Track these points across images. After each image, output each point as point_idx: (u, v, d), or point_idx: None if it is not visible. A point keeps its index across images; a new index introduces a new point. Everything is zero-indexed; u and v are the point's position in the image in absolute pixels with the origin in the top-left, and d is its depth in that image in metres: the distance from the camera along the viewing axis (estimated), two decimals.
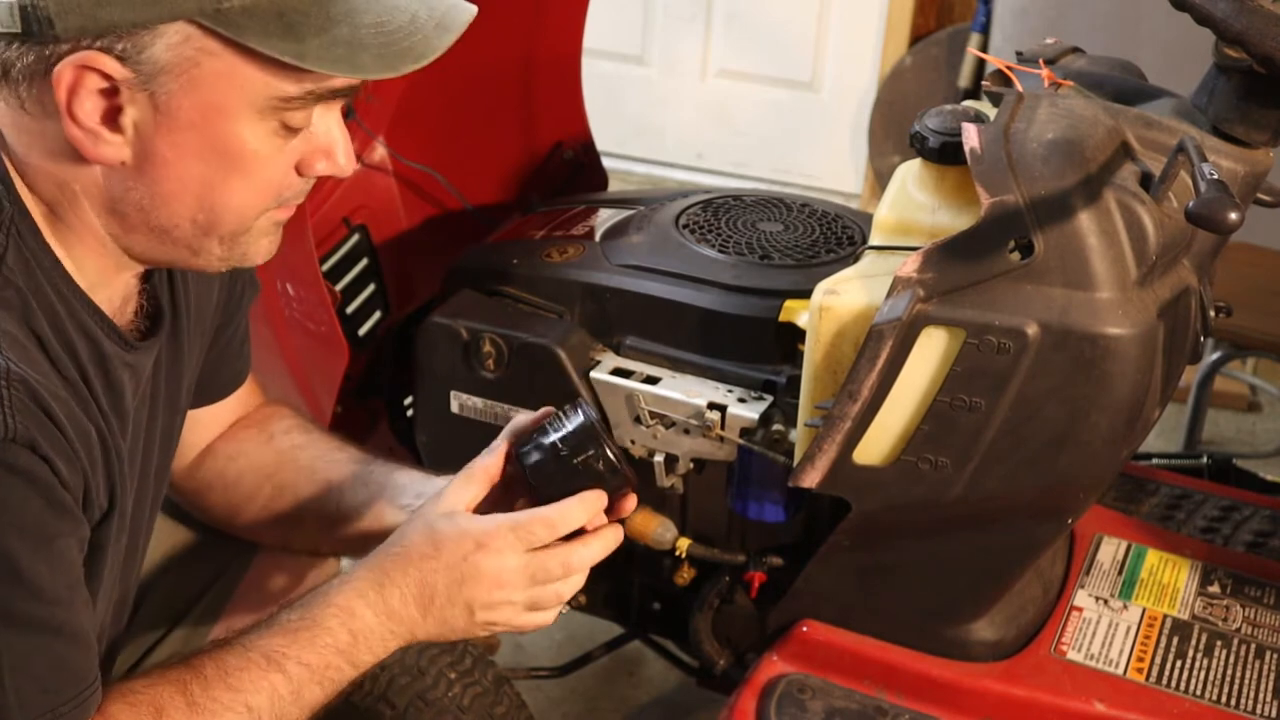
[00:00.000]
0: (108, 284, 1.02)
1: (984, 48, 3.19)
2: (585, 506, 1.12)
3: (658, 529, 1.48)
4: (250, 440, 1.32)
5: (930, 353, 1.18)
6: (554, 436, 1.14)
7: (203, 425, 1.30)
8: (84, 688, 0.94)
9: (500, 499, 1.16)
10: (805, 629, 1.41)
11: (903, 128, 3.35)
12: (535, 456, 1.14)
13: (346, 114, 1.78)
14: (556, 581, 1.11)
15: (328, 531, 1.29)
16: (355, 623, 1.05)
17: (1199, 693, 1.34)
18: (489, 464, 1.15)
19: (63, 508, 0.91)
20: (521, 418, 1.19)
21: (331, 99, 0.97)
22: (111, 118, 0.91)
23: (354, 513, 1.27)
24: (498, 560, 1.08)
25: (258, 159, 0.95)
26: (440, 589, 1.07)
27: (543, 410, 1.18)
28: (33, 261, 0.96)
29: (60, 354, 0.96)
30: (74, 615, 0.95)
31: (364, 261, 1.86)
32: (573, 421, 1.14)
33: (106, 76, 0.89)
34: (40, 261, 0.96)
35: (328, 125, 0.99)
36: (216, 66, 0.90)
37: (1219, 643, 1.41)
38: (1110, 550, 1.54)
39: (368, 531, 1.26)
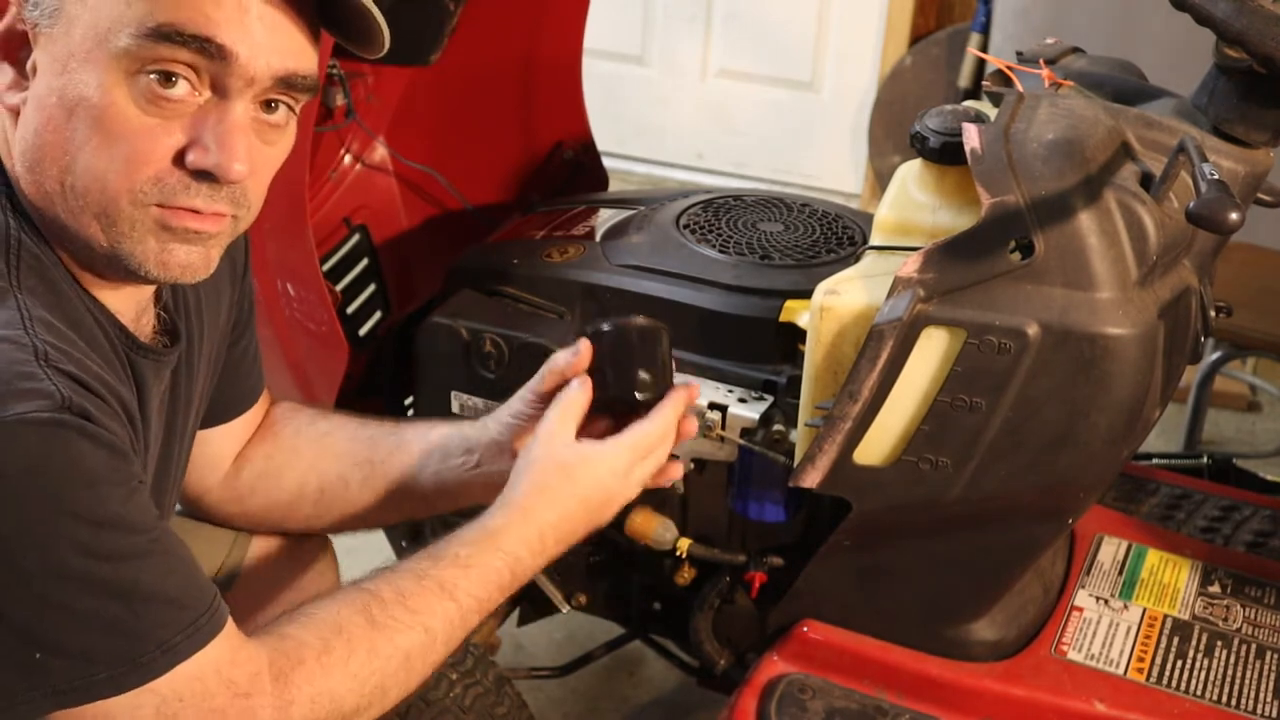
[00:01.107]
0: (114, 292, 1.02)
1: (984, 48, 3.19)
2: (674, 406, 1.24)
3: (658, 529, 1.48)
4: (279, 437, 1.35)
5: (931, 353, 1.18)
6: (613, 360, 1.24)
7: (230, 438, 1.33)
8: (212, 597, 0.97)
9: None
10: (806, 629, 1.41)
11: (903, 128, 3.35)
12: (611, 383, 1.24)
13: (347, 114, 1.81)
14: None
15: (385, 505, 1.33)
16: (516, 564, 1.14)
17: (1199, 693, 1.34)
18: (578, 398, 1.21)
19: (125, 456, 0.93)
20: (560, 360, 1.25)
21: (187, 46, 0.91)
22: (22, 63, 0.95)
23: (406, 482, 1.32)
24: (625, 480, 1.20)
25: (117, 117, 0.92)
26: (580, 518, 1.18)
27: (579, 351, 1.24)
28: (44, 258, 0.97)
29: (93, 337, 0.98)
30: (176, 539, 0.97)
31: (364, 261, 1.86)
32: (609, 338, 1.24)
33: (21, 19, 0.94)
34: (45, 251, 0.98)
35: (225, 116, 0.95)
36: (82, 3, 0.92)
37: (1219, 643, 1.41)
38: (1111, 550, 1.54)
39: (427, 494, 1.32)
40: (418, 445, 1.32)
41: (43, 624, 0.89)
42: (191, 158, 0.94)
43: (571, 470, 1.17)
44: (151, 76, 0.92)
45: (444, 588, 1.08)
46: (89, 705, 0.91)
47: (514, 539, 1.13)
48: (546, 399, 1.25)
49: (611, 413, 1.25)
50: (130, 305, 1.04)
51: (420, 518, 1.46)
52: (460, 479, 1.30)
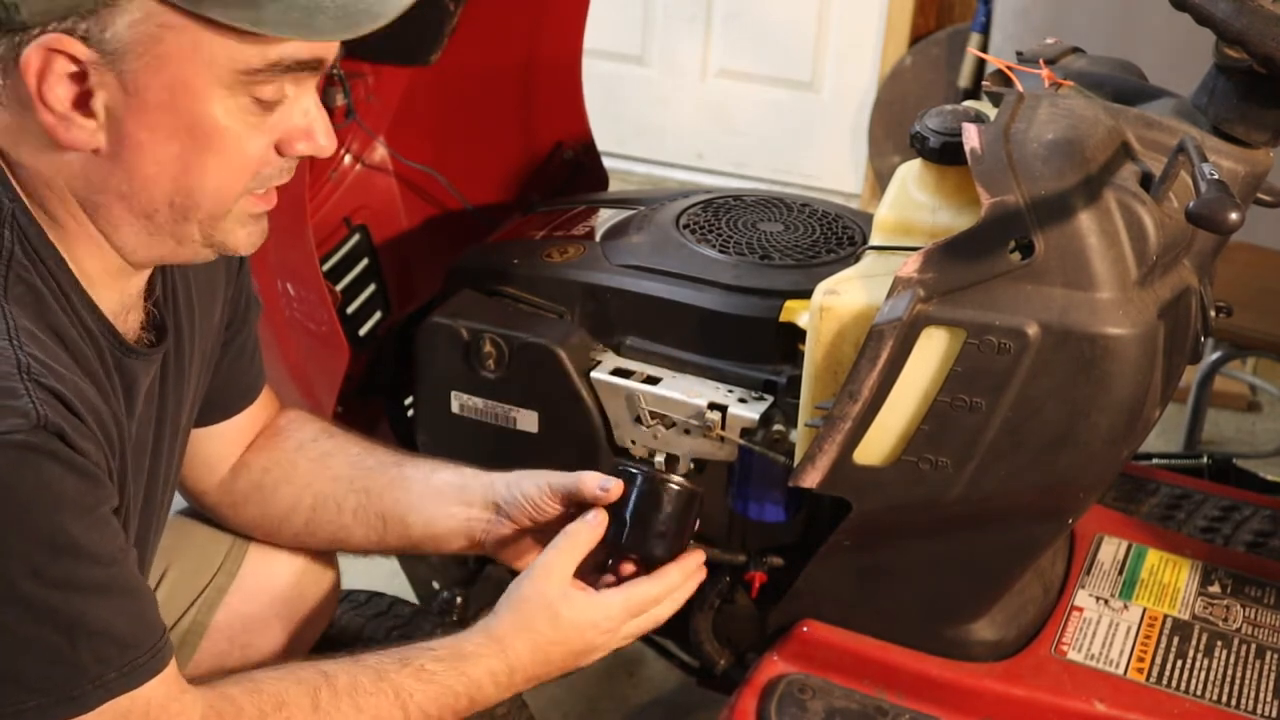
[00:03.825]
0: (108, 287, 1.02)
1: (984, 48, 3.19)
2: (683, 570, 1.24)
3: None
4: (279, 450, 1.34)
5: (931, 353, 1.18)
6: (633, 509, 1.23)
7: (226, 439, 1.32)
8: (157, 638, 0.97)
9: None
10: (806, 629, 1.41)
11: (903, 128, 3.35)
12: (628, 533, 1.24)
13: (347, 114, 1.81)
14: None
15: (373, 537, 1.33)
16: (478, 693, 1.14)
17: (1199, 693, 1.34)
18: (587, 537, 1.20)
19: (96, 480, 0.93)
20: (589, 484, 1.24)
21: (300, 71, 0.95)
22: (83, 102, 0.92)
23: (397, 520, 1.31)
24: (611, 635, 1.20)
25: (231, 137, 0.95)
26: (556, 663, 1.18)
27: (609, 488, 1.23)
28: (37, 258, 0.97)
29: (77, 347, 0.98)
30: (134, 573, 0.97)
31: (364, 261, 1.86)
32: (644, 489, 1.23)
33: (74, 59, 0.90)
34: (44, 258, 0.97)
35: (305, 105, 0.98)
36: (180, 41, 0.90)
37: (1219, 643, 1.41)
38: (1111, 550, 1.54)
39: (414, 535, 1.31)
40: (416, 486, 1.31)
41: None
42: (302, 147, 0.99)
43: (558, 616, 1.16)
44: (258, 92, 0.94)
45: (399, 695, 1.08)
46: None
47: (482, 669, 1.13)
48: (563, 502, 1.26)
49: (618, 554, 1.25)
50: (120, 302, 1.04)
51: (404, 554, 1.45)
52: (450, 528, 1.30)
